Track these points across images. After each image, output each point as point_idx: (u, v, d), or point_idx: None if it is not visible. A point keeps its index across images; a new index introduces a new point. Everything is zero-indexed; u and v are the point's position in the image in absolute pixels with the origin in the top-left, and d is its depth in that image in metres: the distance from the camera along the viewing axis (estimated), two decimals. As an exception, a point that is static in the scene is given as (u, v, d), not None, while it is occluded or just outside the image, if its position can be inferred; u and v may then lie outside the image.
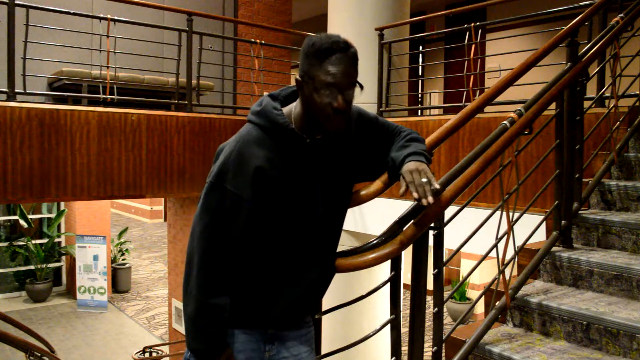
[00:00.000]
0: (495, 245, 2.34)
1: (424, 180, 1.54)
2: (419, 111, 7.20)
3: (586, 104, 2.97)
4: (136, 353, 7.68)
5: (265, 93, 1.84)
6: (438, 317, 2.11)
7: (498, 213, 2.33)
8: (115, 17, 4.97)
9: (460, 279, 10.84)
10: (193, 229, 1.62)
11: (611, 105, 3.19)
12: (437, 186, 1.54)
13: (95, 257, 11.20)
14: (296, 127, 1.61)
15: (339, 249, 1.94)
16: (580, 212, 2.85)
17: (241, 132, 1.62)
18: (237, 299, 1.66)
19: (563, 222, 2.73)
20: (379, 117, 1.82)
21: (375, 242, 1.89)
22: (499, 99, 2.56)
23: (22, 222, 11.53)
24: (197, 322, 1.61)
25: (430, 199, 1.52)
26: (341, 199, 1.73)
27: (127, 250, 13.22)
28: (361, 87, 1.57)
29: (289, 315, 1.71)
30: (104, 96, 4.90)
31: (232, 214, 1.56)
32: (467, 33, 4.84)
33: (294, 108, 1.63)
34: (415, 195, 1.54)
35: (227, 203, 1.56)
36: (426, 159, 1.65)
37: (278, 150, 1.58)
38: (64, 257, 12.26)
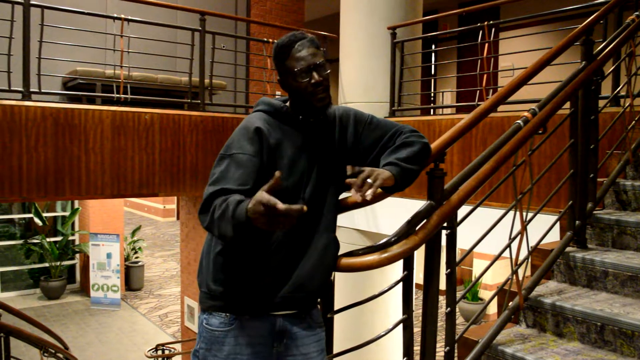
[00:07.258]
0: (509, 246, 2.33)
1: (370, 180, 1.61)
2: (432, 110, 7.17)
3: (601, 103, 2.94)
4: (149, 350, 7.73)
5: (277, 92, 1.91)
6: (450, 317, 2.10)
7: (511, 213, 2.32)
8: (129, 17, 5.01)
9: (473, 279, 10.79)
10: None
11: (626, 105, 3.16)
12: (369, 195, 1.59)
13: (109, 255, 11.29)
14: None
15: (351, 248, 1.94)
16: (594, 212, 2.82)
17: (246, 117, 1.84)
18: (236, 274, 1.73)
19: (577, 222, 2.70)
20: (373, 117, 1.91)
21: (387, 241, 1.89)
22: (513, 98, 2.54)
23: (36, 220, 11.66)
24: (209, 209, 1.57)
25: (362, 197, 1.59)
26: (332, 186, 1.82)
27: (140, 248, 13.32)
28: (330, 61, 1.70)
29: (290, 296, 1.73)
30: (118, 95, 4.94)
31: (239, 168, 1.65)
32: (480, 32, 4.81)
33: (288, 104, 1.84)
34: (354, 186, 1.61)
35: (233, 164, 1.66)
36: (402, 170, 1.72)
37: (279, 127, 1.77)
38: (77, 255, 12.38)
